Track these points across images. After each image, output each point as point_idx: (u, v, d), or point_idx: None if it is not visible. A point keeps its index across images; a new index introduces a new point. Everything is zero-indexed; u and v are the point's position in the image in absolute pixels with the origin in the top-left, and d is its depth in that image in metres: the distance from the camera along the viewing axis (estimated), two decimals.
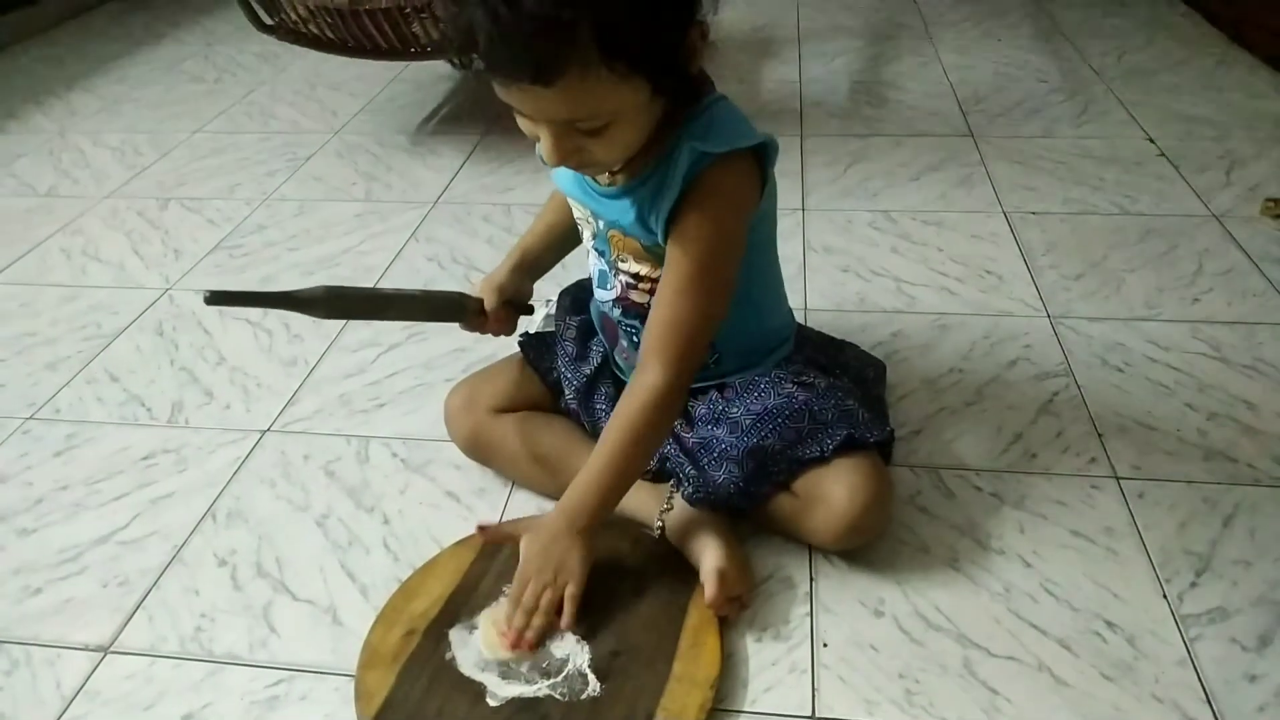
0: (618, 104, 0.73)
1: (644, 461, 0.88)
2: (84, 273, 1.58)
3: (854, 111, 2.03)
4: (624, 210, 0.86)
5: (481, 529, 0.90)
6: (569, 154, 0.76)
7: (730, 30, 2.54)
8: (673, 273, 0.83)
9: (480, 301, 0.99)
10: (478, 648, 0.84)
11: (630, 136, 0.78)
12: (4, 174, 1.97)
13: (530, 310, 1.02)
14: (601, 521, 0.86)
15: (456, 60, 0.74)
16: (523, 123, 0.77)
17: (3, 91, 2.43)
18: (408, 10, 1.72)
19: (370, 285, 1.47)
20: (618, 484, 0.86)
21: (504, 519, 1.02)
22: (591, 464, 0.85)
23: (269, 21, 1.88)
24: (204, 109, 2.25)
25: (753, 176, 0.85)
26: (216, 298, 0.80)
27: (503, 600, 0.87)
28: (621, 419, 0.84)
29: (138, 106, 2.30)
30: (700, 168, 0.81)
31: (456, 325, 1.01)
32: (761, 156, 0.84)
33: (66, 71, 2.56)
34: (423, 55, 1.84)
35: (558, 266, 1.17)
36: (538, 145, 0.77)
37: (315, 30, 1.85)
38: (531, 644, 0.83)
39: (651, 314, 0.85)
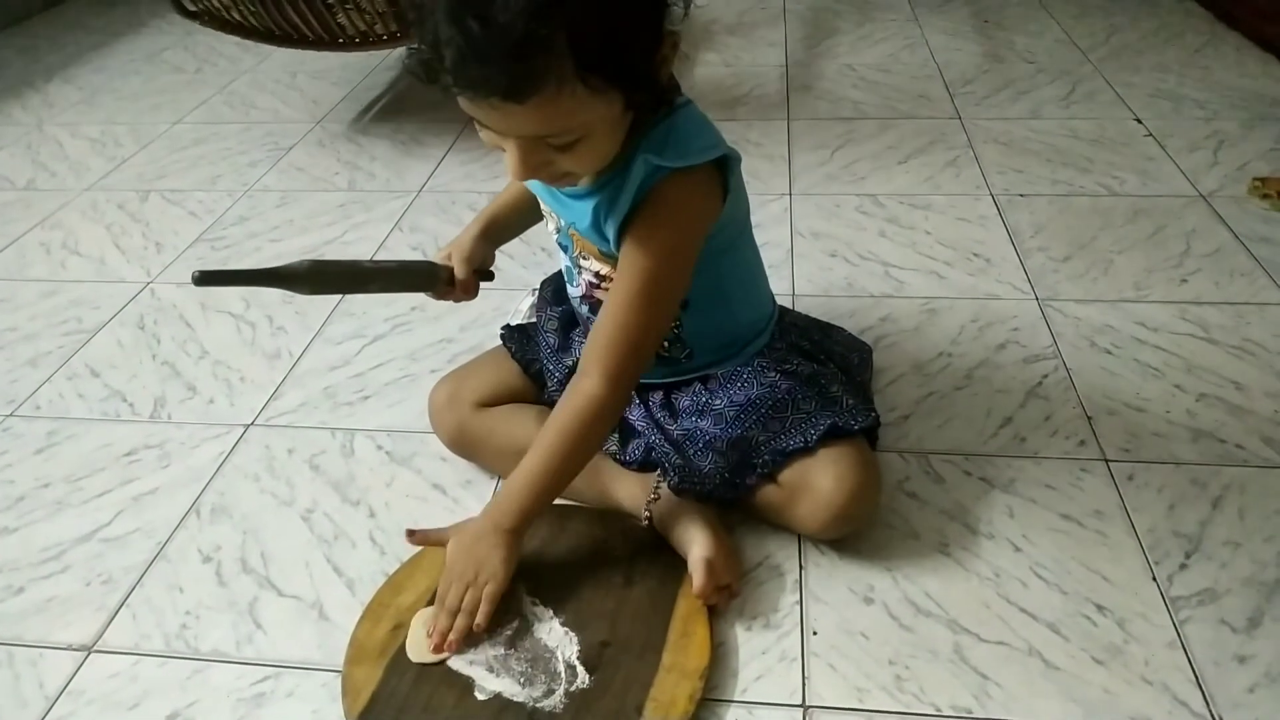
0: (590, 118, 0.71)
1: (578, 467, 0.86)
2: (64, 267, 1.56)
3: (841, 95, 2.02)
4: (582, 214, 0.85)
5: (410, 533, 0.89)
6: (536, 169, 0.74)
7: (717, 14, 2.52)
8: (621, 285, 0.82)
9: (450, 270, 0.97)
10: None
11: (601, 150, 0.76)
12: None
13: (491, 276, 1.02)
14: (529, 522, 0.85)
15: (421, 75, 0.71)
16: (485, 135, 0.74)
17: None
18: (331, 1, 1.70)
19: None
20: (549, 486, 0.85)
21: None
22: (523, 466, 0.84)
23: (191, 8, 1.85)
24: (184, 99, 2.22)
25: (710, 189, 0.83)
26: (205, 278, 0.81)
27: (424, 609, 0.86)
28: (558, 424, 0.83)
29: (117, 97, 2.27)
30: (654, 181, 0.79)
31: (429, 296, 1.00)
32: (722, 168, 0.83)
33: (44, 62, 2.53)
34: (351, 46, 1.80)
35: (543, 255, 1.17)
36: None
37: (239, 17, 1.82)
38: (454, 645, 0.81)
39: (597, 321, 0.84)
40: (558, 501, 0.99)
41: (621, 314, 0.82)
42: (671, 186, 0.79)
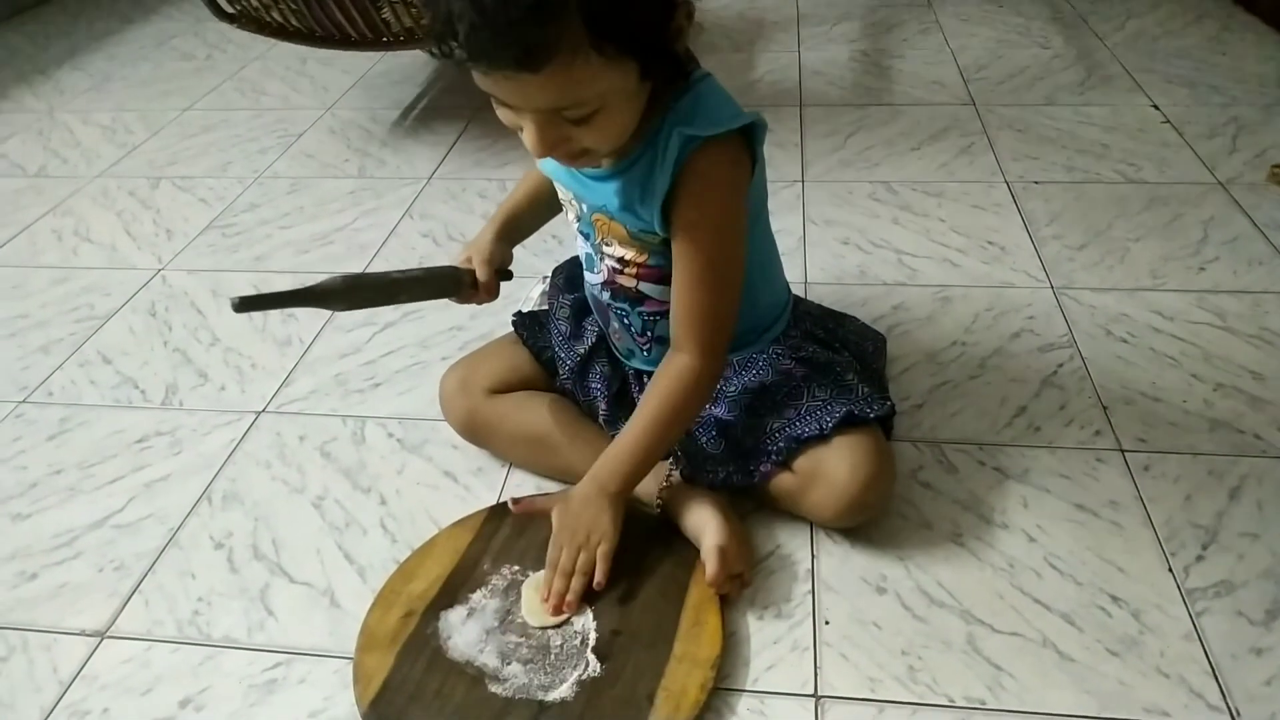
0: (605, 89, 0.71)
1: (676, 437, 0.89)
2: (75, 254, 1.56)
3: (854, 80, 2.00)
4: (610, 195, 0.85)
5: (515, 501, 0.90)
6: (555, 144, 0.74)
7: None
8: (685, 265, 0.83)
9: (473, 274, 0.97)
10: (476, 631, 0.84)
11: (619, 124, 0.76)
12: None
13: (509, 276, 1.01)
14: (631, 488, 0.88)
15: (435, 49, 0.71)
16: (503, 113, 0.74)
17: None
18: None
19: (364, 263, 1.46)
20: (649, 454, 0.87)
21: (502, 497, 1.01)
22: (624, 434, 0.87)
23: (230, 10, 1.81)
24: (194, 86, 2.22)
25: (742, 157, 0.83)
26: (245, 304, 0.81)
27: (534, 575, 0.89)
28: (657, 394, 0.86)
29: (127, 84, 2.27)
30: (689, 151, 0.79)
31: (451, 301, 0.99)
32: (750, 136, 0.83)
33: (54, 49, 2.53)
34: (396, 44, 1.74)
35: (554, 243, 1.15)
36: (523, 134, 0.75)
37: (279, 18, 1.78)
38: (573, 605, 0.84)
39: (674, 303, 0.86)
40: (566, 489, 0.99)
41: (694, 293, 0.84)
42: (708, 156, 0.80)
